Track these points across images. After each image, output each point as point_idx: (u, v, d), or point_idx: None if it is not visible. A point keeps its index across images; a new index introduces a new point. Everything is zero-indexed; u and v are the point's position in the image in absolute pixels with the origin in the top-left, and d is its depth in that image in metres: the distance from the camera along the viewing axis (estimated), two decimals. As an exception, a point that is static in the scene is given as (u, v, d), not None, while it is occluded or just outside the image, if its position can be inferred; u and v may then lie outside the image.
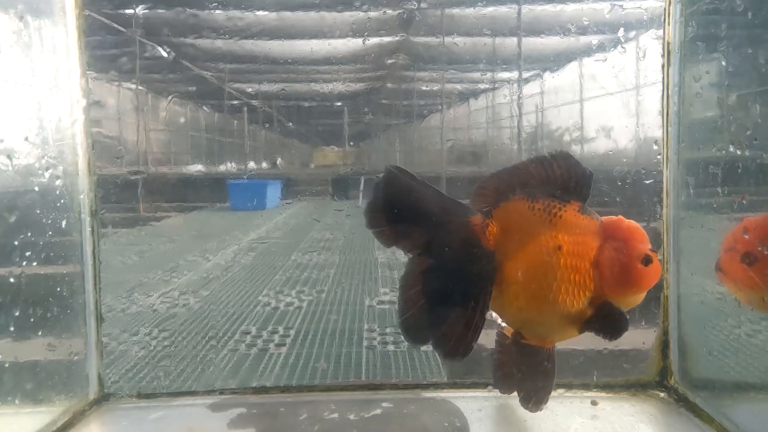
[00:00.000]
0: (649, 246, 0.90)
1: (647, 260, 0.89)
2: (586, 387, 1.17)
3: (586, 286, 0.91)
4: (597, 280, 0.90)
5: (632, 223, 0.91)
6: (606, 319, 0.92)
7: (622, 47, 1.28)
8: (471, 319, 0.95)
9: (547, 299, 0.93)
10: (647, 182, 1.24)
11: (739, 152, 1.02)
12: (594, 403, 1.10)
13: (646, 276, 0.90)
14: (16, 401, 0.98)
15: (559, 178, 0.94)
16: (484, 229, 0.97)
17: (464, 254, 0.96)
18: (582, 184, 0.93)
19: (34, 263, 1.01)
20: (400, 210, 0.98)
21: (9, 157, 0.97)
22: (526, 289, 0.94)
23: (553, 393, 1.15)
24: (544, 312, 0.94)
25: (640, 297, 0.93)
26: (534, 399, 1.01)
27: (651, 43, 1.22)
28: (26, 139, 1.02)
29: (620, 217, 0.92)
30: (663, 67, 1.20)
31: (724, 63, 1.08)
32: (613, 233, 0.91)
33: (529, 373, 1.01)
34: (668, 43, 1.19)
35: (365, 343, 3.33)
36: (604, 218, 0.93)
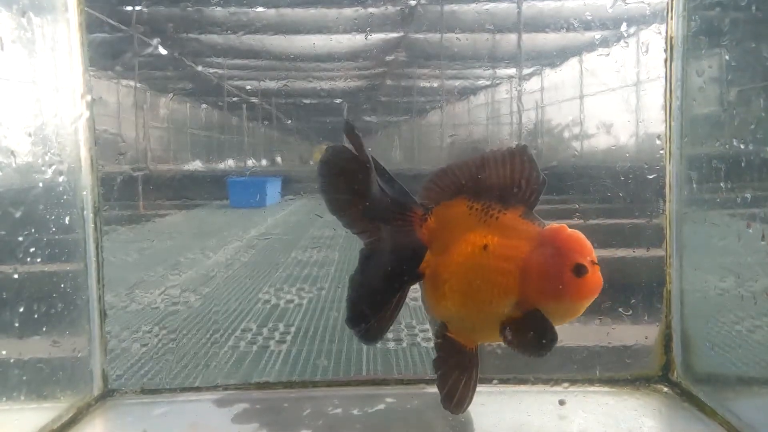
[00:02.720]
0: (589, 257, 0.85)
1: (579, 270, 0.84)
2: (590, 382, 1.18)
3: (510, 289, 0.88)
4: (523, 285, 0.87)
5: (574, 232, 0.87)
6: (526, 328, 0.88)
7: (624, 42, 1.28)
8: (387, 305, 0.99)
9: (469, 297, 0.92)
10: (650, 177, 1.24)
11: (742, 147, 1.02)
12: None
13: (576, 286, 0.84)
14: (22, 397, 0.98)
15: (510, 180, 0.91)
16: (422, 222, 0.99)
17: (398, 244, 0.99)
18: (532, 191, 0.91)
19: (38, 260, 1.01)
20: (343, 189, 1.00)
21: (12, 153, 0.96)
22: (450, 285, 0.94)
23: (557, 387, 1.15)
24: (465, 309, 0.93)
25: (574, 308, 0.88)
26: (456, 400, 1.00)
27: (654, 37, 1.22)
28: (29, 135, 1.02)
29: (563, 225, 0.88)
30: (666, 61, 1.20)
31: (727, 57, 1.08)
32: (550, 240, 0.87)
33: (451, 372, 1.00)
34: (671, 38, 1.19)
35: (366, 339, 3.33)
36: (548, 226, 0.90)
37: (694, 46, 1.17)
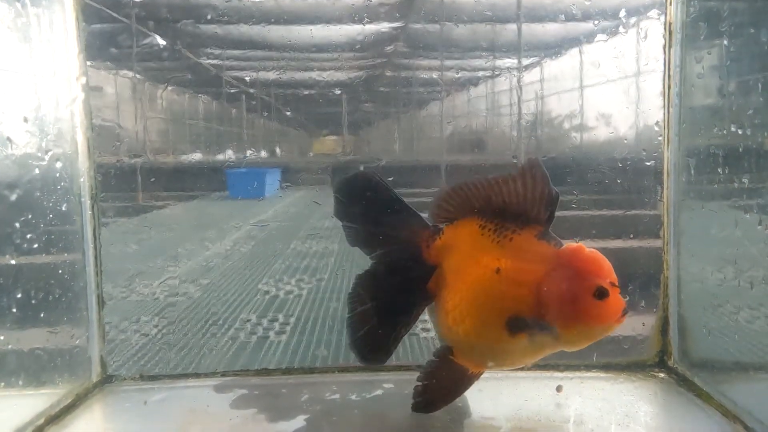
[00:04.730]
0: (609, 279, 0.81)
1: (601, 293, 0.80)
2: (587, 368, 1.18)
3: (522, 314, 0.84)
4: (537, 310, 0.84)
5: (593, 252, 0.84)
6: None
7: (624, 28, 1.28)
8: (394, 327, 0.99)
9: (480, 323, 0.89)
10: (648, 164, 1.24)
11: (740, 132, 1.02)
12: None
13: (597, 310, 0.80)
14: (20, 382, 0.98)
15: (522, 198, 0.88)
16: (429, 242, 0.97)
17: (405, 264, 0.99)
18: (545, 208, 0.87)
19: (36, 246, 1.01)
20: (355, 214, 1.02)
21: (9, 139, 0.96)
22: (461, 309, 0.91)
23: (555, 373, 1.16)
24: (475, 335, 0.90)
25: (594, 333, 0.84)
26: (428, 408, 0.99)
27: (653, 24, 1.21)
28: (25, 120, 1.02)
29: (581, 245, 0.85)
30: (664, 47, 1.20)
31: (726, 43, 1.07)
32: (568, 262, 0.83)
33: (438, 388, 0.99)
34: (670, 23, 1.18)
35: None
36: (566, 246, 0.86)
37: (693, 32, 1.16)
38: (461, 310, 0.91)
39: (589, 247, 0.85)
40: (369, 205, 1.00)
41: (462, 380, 0.98)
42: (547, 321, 0.83)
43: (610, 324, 0.82)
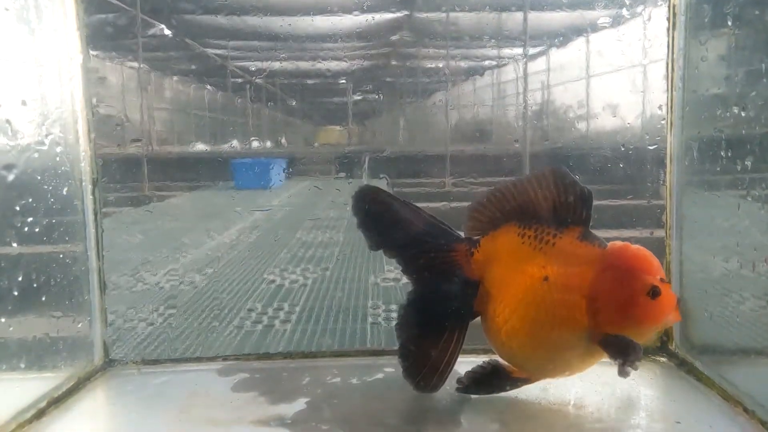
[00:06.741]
0: (659, 275, 0.80)
1: (654, 292, 0.79)
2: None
3: (578, 321, 0.83)
4: (592, 315, 0.82)
5: (640, 249, 0.82)
6: (611, 349, 0.83)
7: (627, 11, 1.26)
8: (444, 351, 0.95)
9: (534, 337, 0.87)
10: (651, 147, 1.23)
11: (743, 115, 1.00)
12: None
13: (653, 310, 0.80)
14: (22, 365, 0.99)
15: (557, 200, 0.87)
16: (468, 257, 0.94)
17: (446, 283, 0.95)
18: (581, 207, 0.86)
19: (36, 229, 1.02)
20: (381, 227, 0.98)
21: (8, 121, 0.96)
22: (513, 324, 0.88)
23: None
24: (531, 350, 0.88)
25: (651, 331, 0.84)
26: (463, 391, 0.99)
27: (657, 6, 1.20)
28: (24, 103, 1.02)
29: (627, 243, 0.83)
30: (668, 30, 1.18)
31: (730, 24, 1.06)
32: (616, 262, 0.81)
33: (490, 387, 0.98)
34: (674, 6, 1.17)
35: (370, 319, 3.35)
36: (610, 244, 0.84)
37: (697, 14, 1.15)
38: (513, 324, 0.88)
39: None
40: (391, 230, 0.97)
41: (514, 385, 0.98)
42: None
43: (667, 321, 0.82)
